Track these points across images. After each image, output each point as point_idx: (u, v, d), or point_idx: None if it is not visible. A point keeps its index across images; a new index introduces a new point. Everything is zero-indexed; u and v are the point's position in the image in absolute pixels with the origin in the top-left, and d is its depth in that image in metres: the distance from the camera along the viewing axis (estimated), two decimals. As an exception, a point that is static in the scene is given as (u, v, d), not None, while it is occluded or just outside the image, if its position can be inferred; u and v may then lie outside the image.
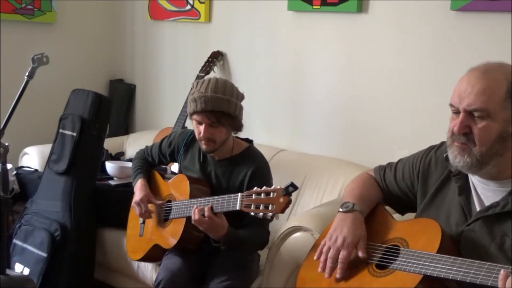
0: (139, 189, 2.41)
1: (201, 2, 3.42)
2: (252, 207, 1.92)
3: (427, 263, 1.51)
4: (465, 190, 1.63)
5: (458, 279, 1.44)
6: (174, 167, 2.82)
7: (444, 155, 1.66)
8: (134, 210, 2.41)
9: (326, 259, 1.71)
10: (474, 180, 1.62)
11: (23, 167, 3.23)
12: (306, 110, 3.04)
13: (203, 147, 2.25)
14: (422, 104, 2.61)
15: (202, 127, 2.20)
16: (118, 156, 3.44)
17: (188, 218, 2.15)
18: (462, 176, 1.64)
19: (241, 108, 2.25)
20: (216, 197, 2.09)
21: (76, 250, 2.71)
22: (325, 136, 2.97)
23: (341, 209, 1.79)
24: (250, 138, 2.41)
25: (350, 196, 1.83)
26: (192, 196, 2.22)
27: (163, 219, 2.36)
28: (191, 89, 2.24)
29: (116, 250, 2.75)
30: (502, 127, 1.49)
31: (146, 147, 2.59)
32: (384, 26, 2.69)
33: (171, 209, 2.31)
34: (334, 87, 2.91)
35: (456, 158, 1.55)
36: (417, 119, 2.63)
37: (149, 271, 2.60)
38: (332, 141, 2.94)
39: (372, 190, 1.87)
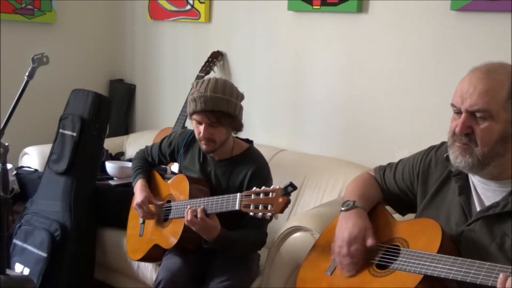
0: (139, 190, 2.41)
1: (201, 2, 3.42)
2: (251, 207, 1.92)
3: (427, 263, 1.51)
4: (465, 190, 1.63)
5: (459, 279, 1.44)
6: (174, 167, 2.82)
7: (445, 155, 1.66)
8: (135, 212, 2.41)
9: (341, 260, 1.70)
10: (475, 180, 1.62)
11: (23, 167, 3.23)
12: (306, 110, 3.04)
13: (203, 147, 2.25)
14: (422, 104, 2.61)
15: (202, 127, 2.20)
16: (118, 156, 3.44)
17: (188, 218, 2.15)
18: (462, 176, 1.64)
19: (241, 108, 2.25)
20: (215, 197, 2.09)
21: (76, 250, 2.71)
22: (325, 136, 2.97)
23: (342, 208, 1.79)
24: (250, 138, 2.41)
25: (351, 195, 1.83)
26: (192, 196, 2.22)
27: (163, 219, 2.36)
28: (191, 89, 2.24)
29: (116, 250, 2.75)
30: (504, 128, 1.49)
31: (146, 147, 2.59)
32: (384, 26, 2.69)
33: (171, 209, 2.31)
34: (334, 87, 2.91)
35: (457, 159, 1.55)
36: (417, 119, 2.63)
37: (149, 271, 2.60)
38: (332, 141, 2.94)
39: (373, 189, 1.88)
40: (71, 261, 2.70)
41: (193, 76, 3.24)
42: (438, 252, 1.52)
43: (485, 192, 1.59)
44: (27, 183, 3.04)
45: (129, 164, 2.77)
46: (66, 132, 2.85)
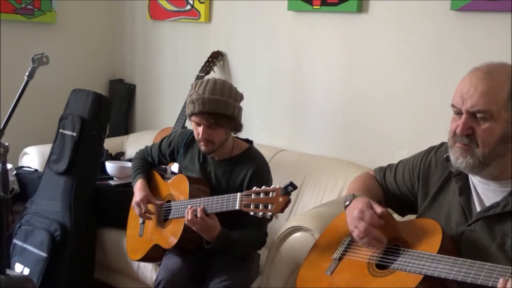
0: (138, 189, 2.41)
1: (201, 2, 3.42)
2: (252, 206, 1.92)
3: (427, 264, 1.51)
4: (465, 190, 1.62)
5: (459, 279, 1.44)
6: (174, 167, 2.82)
7: (445, 156, 1.66)
8: (134, 210, 2.41)
9: (365, 238, 1.65)
10: (475, 180, 1.62)
11: (23, 167, 3.23)
12: (306, 110, 3.04)
13: (202, 148, 2.25)
14: (422, 104, 2.61)
15: (200, 129, 2.20)
16: (118, 156, 3.44)
17: (188, 218, 2.15)
18: (462, 177, 1.64)
19: (239, 109, 2.24)
20: (215, 196, 2.09)
21: (76, 250, 2.71)
22: (325, 136, 2.97)
23: (345, 204, 1.77)
24: (250, 138, 2.41)
25: (352, 192, 1.82)
26: (192, 196, 2.22)
27: (163, 219, 2.36)
28: (190, 90, 2.24)
29: (116, 250, 2.75)
30: (504, 129, 1.49)
31: (146, 147, 2.59)
32: (384, 26, 2.69)
33: (170, 209, 2.31)
34: (334, 87, 2.91)
35: (458, 159, 1.55)
36: (417, 119, 2.63)
37: (149, 271, 2.60)
38: (332, 141, 2.94)
39: (374, 187, 1.88)
40: (71, 261, 2.70)
41: (193, 76, 3.24)
42: (438, 253, 1.52)
43: (486, 192, 1.58)
44: (27, 183, 3.04)
45: (129, 164, 2.77)
46: (66, 132, 2.85)
